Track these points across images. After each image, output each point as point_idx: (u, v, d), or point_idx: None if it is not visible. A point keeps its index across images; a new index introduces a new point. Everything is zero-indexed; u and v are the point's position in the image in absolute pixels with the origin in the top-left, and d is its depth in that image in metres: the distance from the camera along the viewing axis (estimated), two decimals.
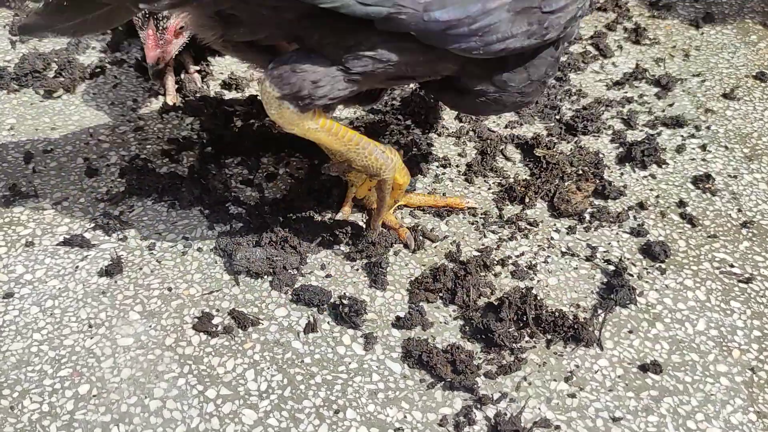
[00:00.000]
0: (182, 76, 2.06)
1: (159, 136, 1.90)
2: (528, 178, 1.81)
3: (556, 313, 1.44)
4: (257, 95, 2.02)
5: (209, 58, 2.15)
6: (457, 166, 1.85)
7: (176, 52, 1.87)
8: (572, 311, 1.49)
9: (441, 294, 1.51)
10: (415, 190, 1.76)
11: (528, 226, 1.67)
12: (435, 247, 1.62)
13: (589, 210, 1.72)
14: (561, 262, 1.60)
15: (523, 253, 1.61)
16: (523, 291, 1.47)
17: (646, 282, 1.56)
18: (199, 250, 1.59)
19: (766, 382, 1.39)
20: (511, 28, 1.23)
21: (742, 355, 1.44)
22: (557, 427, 1.29)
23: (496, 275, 1.56)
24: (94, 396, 1.31)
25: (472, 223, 1.68)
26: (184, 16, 1.41)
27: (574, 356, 1.41)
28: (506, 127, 2.00)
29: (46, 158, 1.82)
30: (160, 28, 1.79)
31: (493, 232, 1.66)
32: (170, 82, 2.01)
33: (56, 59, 2.13)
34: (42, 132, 1.91)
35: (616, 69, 2.25)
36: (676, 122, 2.00)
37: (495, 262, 1.58)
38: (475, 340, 1.43)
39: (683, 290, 1.55)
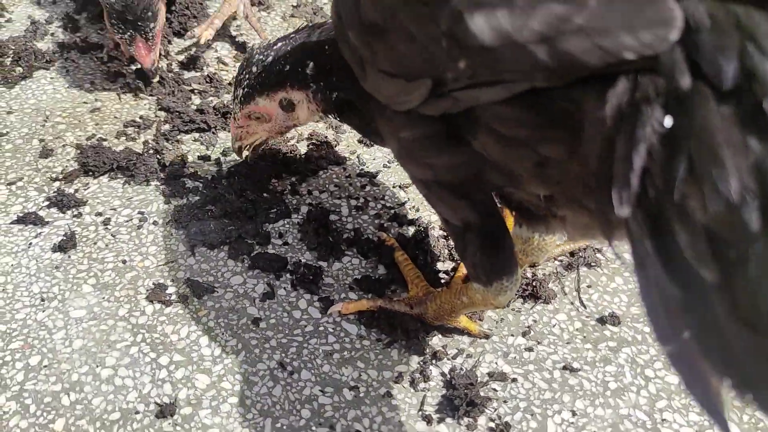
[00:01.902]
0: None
1: (116, 116, 1.87)
2: None
3: None
4: (215, 73, 2.01)
5: (168, 39, 2.13)
6: None
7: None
8: (530, 269, 1.48)
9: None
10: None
11: None
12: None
13: None
14: None
15: None
16: None
17: None
18: (155, 223, 1.57)
19: None
20: None
21: None
22: (514, 380, 1.28)
23: None
24: (44, 366, 1.29)
25: None
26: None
27: (532, 312, 1.40)
28: None
29: (1, 141, 1.79)
30: (150, 36, 1.83)
31: None
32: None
33: (13, 46, 2.11)
34: None
35: None
36: None
37: None
38: None
39: None
